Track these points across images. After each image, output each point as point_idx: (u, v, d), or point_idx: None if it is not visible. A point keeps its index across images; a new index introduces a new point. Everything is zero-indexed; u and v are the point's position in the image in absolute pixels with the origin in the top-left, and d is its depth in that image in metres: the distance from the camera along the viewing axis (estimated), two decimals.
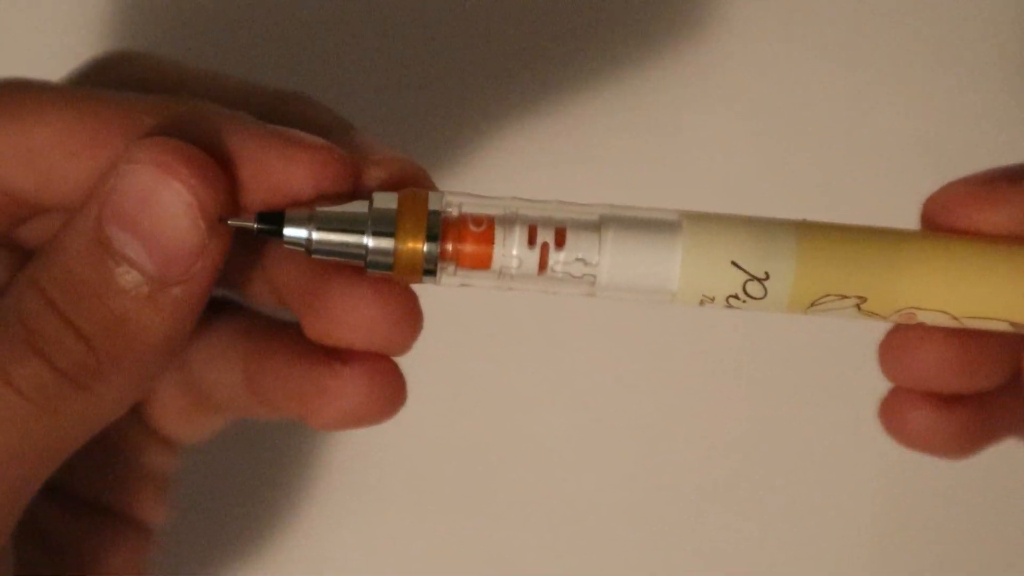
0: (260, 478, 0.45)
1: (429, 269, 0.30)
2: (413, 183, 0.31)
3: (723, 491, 0.46)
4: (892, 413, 0.34)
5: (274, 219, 0.30)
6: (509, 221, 0.30)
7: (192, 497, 0.42)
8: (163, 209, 0.30)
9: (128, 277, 0.30)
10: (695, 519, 0.45)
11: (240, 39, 0.46)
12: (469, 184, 0.44)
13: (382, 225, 0.30)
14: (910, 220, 0.33)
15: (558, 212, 0.30)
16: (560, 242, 0.30)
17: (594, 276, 0.30)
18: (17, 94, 0.32)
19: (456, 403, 0.45)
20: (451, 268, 0.30)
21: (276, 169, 0.30)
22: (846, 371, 0.45)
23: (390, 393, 0.33)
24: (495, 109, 0.46)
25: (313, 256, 0.30)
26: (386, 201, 0.30)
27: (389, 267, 0.30)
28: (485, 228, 0.30)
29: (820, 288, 0.30)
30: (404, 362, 0.33)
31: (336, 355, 0.33)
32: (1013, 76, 0.46)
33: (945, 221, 0.32)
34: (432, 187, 0.32)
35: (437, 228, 0.30)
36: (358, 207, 0.30)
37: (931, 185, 0.32)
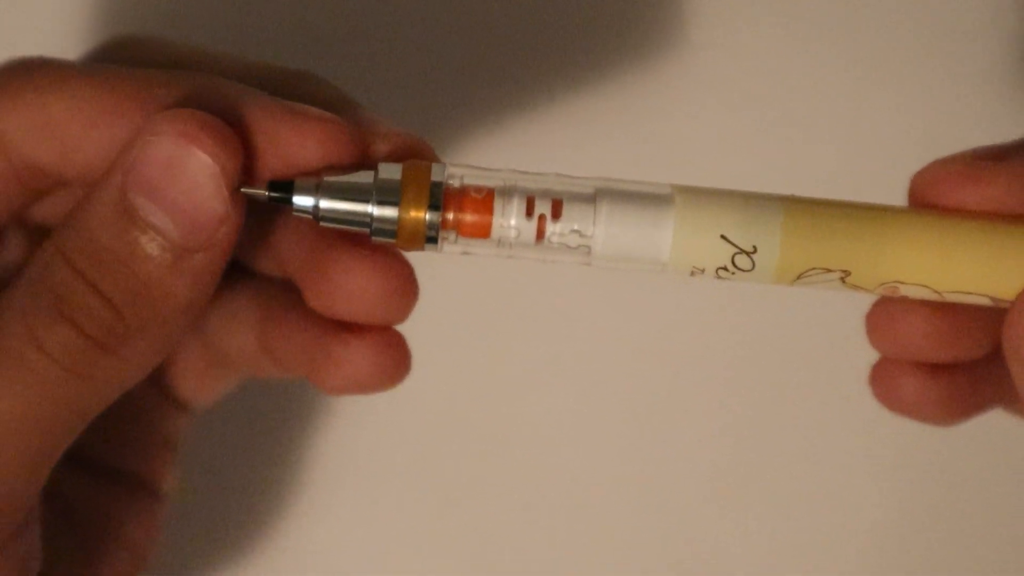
0: (257, 471, 0.46)
1: (431, 237, 0.32)
2: (418, 156, 0.32)
3: (722, 472, 0.46)
4: (882, 381, 0.35)
5: (285, 188, 0.32)
6: (508, 192, 0.32)
7: (188, 489, 0.42)
8: (188, 178, 0.31)
9: (153, 244, 0.31)
10: (694, 500, 0.46)
11: (245, 30, 0.46)
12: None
13: (387, 195, 0.31)
14: None
15: (555, 184, 0.32)
16: (556, 213, 0.32)
17: (589, 247, 0.32)
18: (35, 69, 0.33)
19: (453, 388, 0.46)
20: (452, 236, 0.32)
21: (287, 141, 0.32)
22: (848, 357, 0.46)
23: (395, 363, 0.35)
24: (494, 101, 0.46)
25: (321, 224, 0.32)
26: (391, 172, 0.32)
27: (393, 235, 0.32)
28: (485, 198, 0.32)
29: (805, 262, 0.31)
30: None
31: (345, 324, 0.35)
32: (1010, 67, 0.46)
33: (931, 198, 0.32)
34: (436, 159, 0.33)
35: (439, 198, 0.31)
36: (364, 177, 0.32)
37: None
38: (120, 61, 0.35)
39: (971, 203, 0.32)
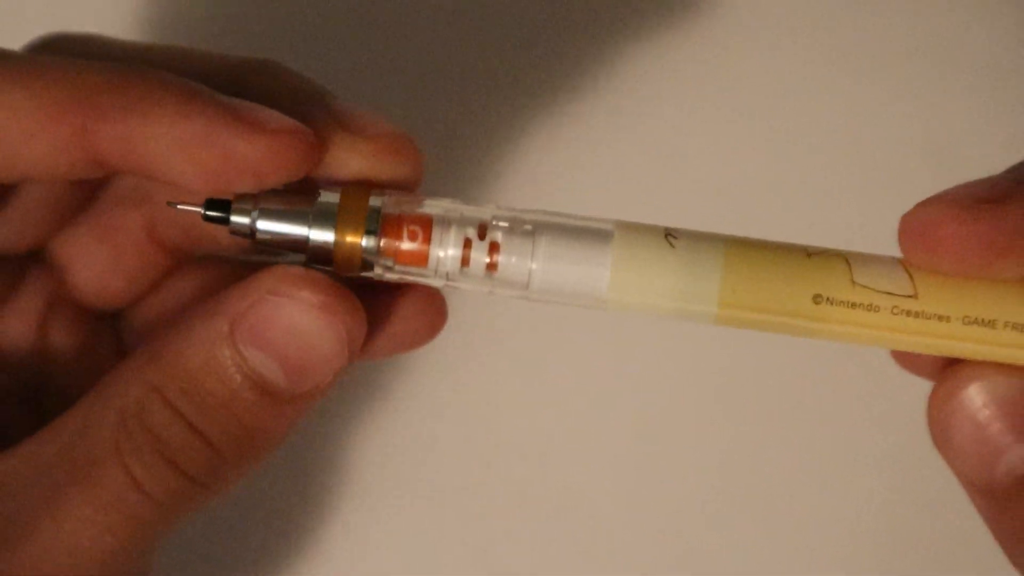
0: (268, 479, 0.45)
1: (368, 262, 0.31)
2: (401, 155, 0.32)
3: (727, 493, 0.45)
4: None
5: (222, 206, 0.31)
6: (446, 222, 0.31)
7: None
8: (313, 343, 0.31)
9: (259, 391, 0.31)
10: (698, 517, 0.46)
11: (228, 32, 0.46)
12: (464, 184, 0.45)
13: (324, 219, 0.31)
14: None
15: (495, 216, 0.31)
16: (495, 246, 0.31)
17: (526, 281, 0.31)
18: None
19: (460, 409, 0.46)
20: (391, 263, 0.31)
21: (237, 152, 0.30)
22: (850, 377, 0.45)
23: (440, 316, 0.34)
24: (490, 113, 0.46)
25: (257, 245, 0.31)
26: (330, 196, 0.31)
27: (329, 260, 0.31)
28: (423, 227, 0.31)
29: (745, 308, 0.30)
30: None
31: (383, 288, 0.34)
32: (1012, 76, 0.45)
33: (927, 247, 0.29)
34: (418, 156, 0.32)
35: (376, 224, 0.31)
36: (302, 200, 0.31)
37: (929, 187, 0.30)
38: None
39: (958, 251, 0.29)
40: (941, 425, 0.30)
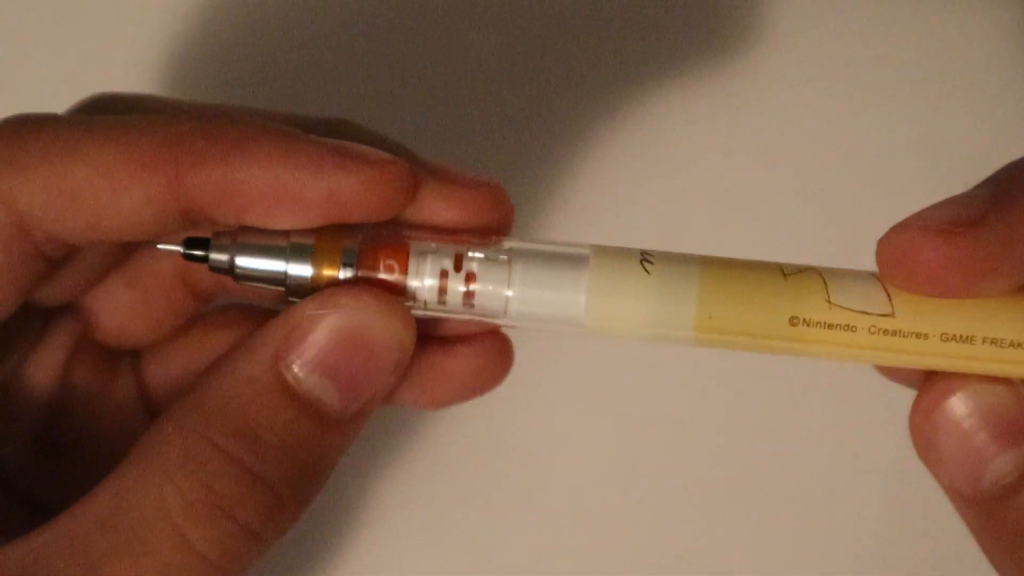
0: None
1: None
2: (495, 204, 0.32)
3: (730, 496, 0.45)
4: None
5: (201, 244, 0.31)
6: (422, 253, 0.31)
7: None
8: (368, 346, 0.30)
9: (313, 418, 0.30)
10: (699, 519, 0.46)
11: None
12: None
13: (301, 253, 0.31)
14: None
15: (470, 247, 0.31)
16: (471, 275, 0.31)
17: (504, 308, 0.31)
18: (49, 131, 0.30)
19: (460, 410, 0.46)
20: None
21: (344, 188, 0.30)
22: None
23: (504, 362, 0.34)
24: (523, 144, 0.46)
25: (237, 281, 0.31)
26: (304, 234, 0.31)
27: (308, 294, 0.31)
28: (399, 258, 0.31)
29: (721, 332, 0.30)
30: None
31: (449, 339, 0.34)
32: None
33: (906, 271, 0.29)
34: (509, 205, 0.32)
35: (352, 257, 0.31)
36: (279, 235, 0.31)
37: (930, 189, 0.30)
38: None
39: (936, 272, 0.28)
40: (925, 436, 0.30)
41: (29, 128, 0.30)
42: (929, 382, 0.30)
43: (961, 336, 0.29)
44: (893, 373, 0.32)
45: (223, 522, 0.29)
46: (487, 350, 0.34)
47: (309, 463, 0.30)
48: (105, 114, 0.32)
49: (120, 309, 0.35)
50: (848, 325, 0.29)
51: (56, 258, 0.32)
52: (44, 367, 0.34)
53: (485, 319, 0.31)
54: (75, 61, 0.46)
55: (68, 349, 0.34)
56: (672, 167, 0.46)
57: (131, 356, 0.36)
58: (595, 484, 0.45)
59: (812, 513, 0.45)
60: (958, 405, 0.30)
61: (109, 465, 0.29)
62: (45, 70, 0.46)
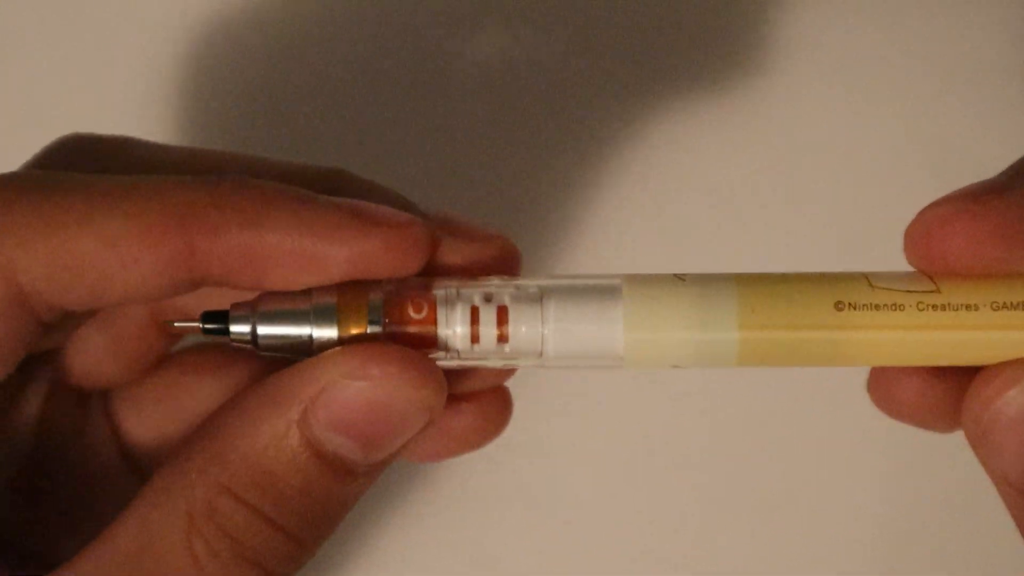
0: None
1: None
2: (503, 255, 0.31)
3: (732, 500, 0.46)
4: (881, 386, 0.32)
5: (219, 318, 0.31)
6: (451, 301, 0.30)
7: None
8: (399, 417, 0.30)
9: (334, 471, 0.30)
10: (700, 523, 0.46)
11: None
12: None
13: (324, 315, 0.30)
14: None
15: (499, 288, 0.30)
16: (503, 318, 0.30)
17: (540, 349, 0.30)
18: (50, 195, 0.29)
19: None
20: None
21: (358, 249, 0.30)
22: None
23: (502, 417, 0.34)
24: (532, 171, 0.46)
25: (260, 352, 0.30)
26: (325, 293, 0.30)
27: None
28: (427, 309, 0.30)
29: (766, 327, 0.29)
30: None
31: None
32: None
33: (930, 246, 0.29)
34: (518, 254, 0.32)
35: (378, 314, 0.30)
36: (300, 300, 0.30)
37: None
38: (90, 166, 0.31)
39: (970, 244, 0.28)
40: (981, 427, 0.29)
41: (28, 191, 0.29)
42: (985, 374, 0.29)
43: (1013, 303, 0.28)
44: (899, 410, 0.32)
45: (249, 569, 0.30)
46: (491, 406, 0.33)
47: (330, 510, 0.30)
48: (88, 161, 0.32)
49: (93, 352, 0.34)
50: (895, 304, 0.29)
51: (53, 323, 0.31)
52: (22, 415, 0.34)
53: (520, 363, 0.30)
54: (72, 75, 0.46)
55: (44, 395, 0.34)
56: (684, 185, 0.47)
57: (102, 396, 0.35)
58: (595, 484, 0.45)
59: (812, 515, 0.45)
60: (1017, 397, 0.29)
61: (87, 505, 0.30)
62: (43, 77, 0.46)
